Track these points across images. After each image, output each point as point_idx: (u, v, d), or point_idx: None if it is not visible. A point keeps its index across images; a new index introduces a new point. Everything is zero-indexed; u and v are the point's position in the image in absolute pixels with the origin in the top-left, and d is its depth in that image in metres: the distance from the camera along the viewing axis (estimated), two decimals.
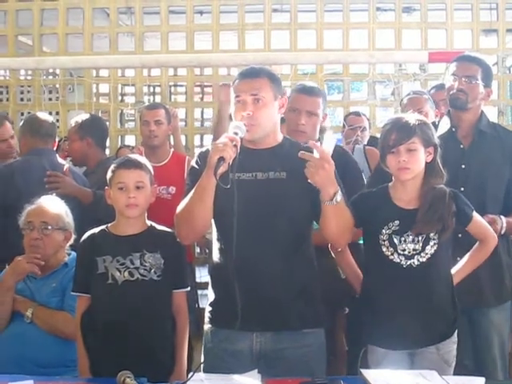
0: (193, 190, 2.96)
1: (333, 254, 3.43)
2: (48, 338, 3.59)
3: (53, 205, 3.80)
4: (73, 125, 5.15)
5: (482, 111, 3.86)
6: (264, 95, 3.03)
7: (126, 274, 3.26)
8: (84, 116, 5.31)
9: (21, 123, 4.94)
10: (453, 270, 3.32)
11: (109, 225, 3.39)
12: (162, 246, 3.31)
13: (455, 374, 3.17)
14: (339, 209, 2.94)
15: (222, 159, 2.82)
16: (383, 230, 3.18)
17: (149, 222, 3.40)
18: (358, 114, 5.80)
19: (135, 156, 3.56)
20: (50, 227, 3.70)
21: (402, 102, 5.09)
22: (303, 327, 3.09)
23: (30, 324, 3.61)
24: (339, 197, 2.91)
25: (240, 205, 2.91)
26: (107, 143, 6.42)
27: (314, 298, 3.16)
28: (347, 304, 4.11)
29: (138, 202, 3.29)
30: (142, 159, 3.46)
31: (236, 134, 2.92)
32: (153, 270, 3.27)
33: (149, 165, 3.42)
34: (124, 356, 3.12)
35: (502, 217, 3.66)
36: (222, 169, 2.84)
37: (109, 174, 3.37)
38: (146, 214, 3.40)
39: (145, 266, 3.27)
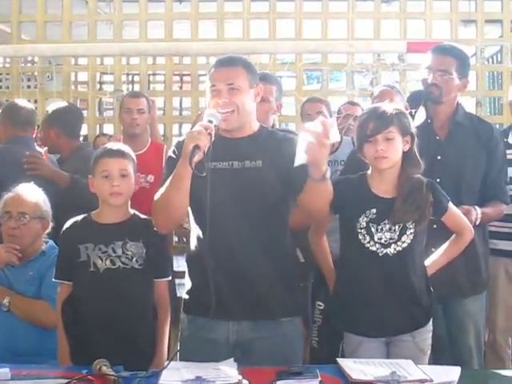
0: (169, 179, 2.96)
1: (310, 241, 3.45)
2: (25, 327, 3.59)
3: (31, 193, 3.78)
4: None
5: (458, 102, 3.87)
6: (240, 84, 3.03)
7: (108, 262, 3.26)
8: (54, 105, 5.23)
9: None
10: (428, 261, 3.34)
11: (92, 212, 3.38)
12: (144, 234, 3.30)
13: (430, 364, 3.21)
14: (326, 184, 2.93)
15: (196, 147, 2.82)
16: (360, 218, 3.20)
17: (132, 211, 3.39)
18: (353, 103, 5.82)
19: (118, 144, 3.55)
20: (27, 216, 3.69)
21: (372, 95, 5.11)
22: (281, 316, 3.10)
23: (7, 312, 3.60)
24: (328, 173, 2.90)
25: (215, 194, 2.92)
26: (85, 131, 6.41)
27: (292, 286, 3.17)
28: (320, 298, 4.16)
29: (121, 190, 3.29)
30: (126, 148, 3.44)
31: (210, 122, 2.91)
32: (134, 259, 3.27)
33: (132, 153, 3.41)
34: (105, 344, 3.11)
35: (477, 207, 3.68)
36: (198, 157, 2.83)
37: (92, 163, 3.36)
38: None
39: (127, 254, 3.27)
